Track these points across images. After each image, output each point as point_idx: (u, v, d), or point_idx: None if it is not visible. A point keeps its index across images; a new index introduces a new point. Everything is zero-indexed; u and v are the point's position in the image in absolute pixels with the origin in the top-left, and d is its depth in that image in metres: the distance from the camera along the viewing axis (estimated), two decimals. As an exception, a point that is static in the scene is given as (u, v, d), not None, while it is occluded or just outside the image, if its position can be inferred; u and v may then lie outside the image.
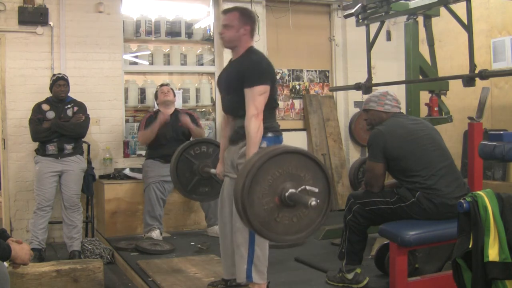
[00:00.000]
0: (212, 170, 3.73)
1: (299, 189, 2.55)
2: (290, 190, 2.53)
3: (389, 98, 3.62)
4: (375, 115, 3.61)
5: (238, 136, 3.32)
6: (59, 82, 5.04)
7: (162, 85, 5.70)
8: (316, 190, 2.58)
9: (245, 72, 3.23)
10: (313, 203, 2.46)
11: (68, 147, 4.96)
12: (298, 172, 2.59)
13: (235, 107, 3.35)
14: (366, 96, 3.92)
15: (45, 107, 5.03)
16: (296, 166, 2.58)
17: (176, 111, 5.56)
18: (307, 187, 2.56)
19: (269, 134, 3.29)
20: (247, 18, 3.36)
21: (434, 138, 3.52)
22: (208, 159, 3.95)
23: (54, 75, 5.21)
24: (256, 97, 3.17)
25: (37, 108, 5.03)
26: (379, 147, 3.44)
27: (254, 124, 3.14)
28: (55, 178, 4.91)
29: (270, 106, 3.31)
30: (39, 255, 4.80)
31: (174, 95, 5.64)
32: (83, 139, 5.22)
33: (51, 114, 4.99)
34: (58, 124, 4.92)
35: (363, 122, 4.19)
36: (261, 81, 3.20)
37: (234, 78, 3.30)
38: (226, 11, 3.42)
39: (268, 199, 2.53)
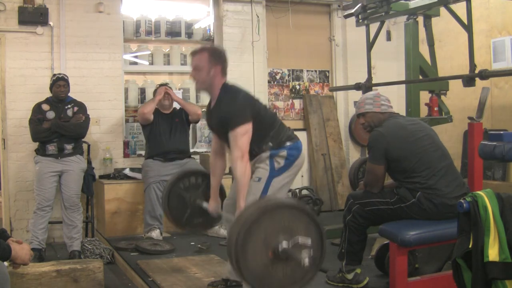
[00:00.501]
0: (205, 204, 3.74)
1: (292, 240, 2.55)
2: (283, 247, 2.53)
3: (383, 98, 3.63)
4: (374, 117, 3.60)
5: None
6: (59, 83, 5.02)
7: (160, 85, 5.66)
8: (309, 242, 2.59)
9: (224, 117, 3.24)
10: (307, 263, 2.50)
11: (68, 147, 4.96)
12: (291, 224, 2.60)
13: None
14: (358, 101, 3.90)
15: (45, 107, 5.02)
16: (288, 219, 2.60)
17: (174, 109, 5.57)
18: (300, 240, 2.56)
19: (288, 143, 3.32)
20: (217, 58, 3.32)
21: (433, 139, 3.52)
22: (198, 189, 3.97)
23: (54, 75, 5.19)
24: (238, 139, 3.16)
25: (37, 108, 5.02)
26: (380, 149, 3.43)
27: (240, 167, 3.13)
28: (55, 178, 4.91)
29: (272, 125, 3.34)
30: (39, 255, 4.80)
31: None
32: (83, 139, 5.22)
33: (51, 114, 4.98)
34: (58, 124, 4.92)
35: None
36: (239, 121, 3.18)
37: (219, 125, 3.32)
38: (194, 53, 3.37)
39: (262, 254, 2.54)
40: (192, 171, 4.08)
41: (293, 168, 3.35)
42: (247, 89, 3.47)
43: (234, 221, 2.69)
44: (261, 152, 3.31)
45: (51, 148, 4.91)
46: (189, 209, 3.93)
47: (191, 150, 5.80)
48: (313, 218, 2.65)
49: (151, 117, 5.40)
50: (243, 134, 3.16)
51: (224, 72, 3.34)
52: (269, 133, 3.32)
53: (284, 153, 3.31)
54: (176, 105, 5.73)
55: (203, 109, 6.75)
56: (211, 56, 3.30)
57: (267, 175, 3.28)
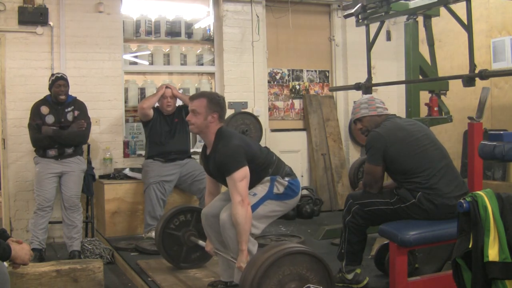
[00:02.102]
0: (201, 243, 3.78)
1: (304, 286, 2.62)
2: None
3: (377, 101, 3.63)
4: (370, 121, 3.59)
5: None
6: (58, 82, 4.92)
7: (167, 88, 5.50)
8: None
9: (221, 164, 3.27)
10: None
11: (69, 150, 4.93)
12: (307, 272, 2.66)
13: None
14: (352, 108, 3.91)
15: (44, 110, 4.91)
16: (306, 267, 2.67)
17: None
18: (312, 287, 2.63)
19: (286, 179, 3.40)
20: (215, 105, 3.37)
21: (432, 139, 3.52)
22: (189, 225, 4.02)
23: (53, 74, 5.11)
24: (237, 184, 3.19)
25: (36, 111, 4.90)
26: (379, 150, 3.43)
27: (241, 212, 3.15)
28: (55, 179, 4.89)
29: (269, 162, 3.40)
30: (40, 255, 4.80)
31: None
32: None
33: (50, 119, 4.88)
34: (60, 134, 4.84)
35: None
36: (235, 167, 3.21)
37: (218, 172, 3.36)
38: (194, 97, 3.44)
39: None
40: (179, 209, 4.11)
41: (288, 202, 3.42)
42: (240, 135, 3.54)
43: (250, 261, 2.76)
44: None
45: (52, 152, 4.88)
46: (185, 246, 3.98)
47: (191, 150, 5.79)
48: (324, 264, 2.72)
49: (151, 112, 5.38)
50: (240, 179, 3.21)
51: (221, 119, 3.41)
52: (268, 171, 3.39)
53: (285, 182, 3.39)
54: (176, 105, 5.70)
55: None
56: (210, 102, 3.36)
57: (263, 194, 3.34)
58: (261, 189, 3.36)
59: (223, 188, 3.63)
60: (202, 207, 5.35)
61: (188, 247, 4.04)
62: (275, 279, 2.60)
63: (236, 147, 3.28)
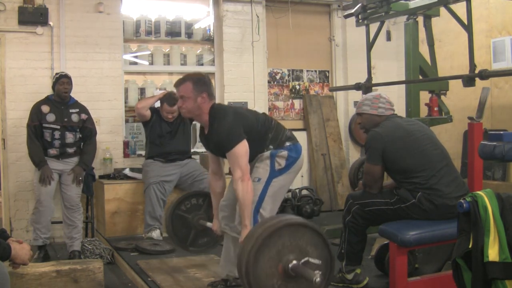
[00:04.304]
0: (209, 224, 3.76)
1: (302, 260, 2.60)
2: (294, 263, 2.57)
3: (382, 101, 3.60)
4: (369, 119, 3.59)
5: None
6: (62, 80, 4.91)
7: (169, 104, 5.31)
8: (319, 262, 2.63)
9: (219, 141, 3.27)
10: (318, 279, 2.51)
11: (70, 150, 4.93)
12: (306, 246, 2.65)
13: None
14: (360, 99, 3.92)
15: (45, 108, 4.88)
16: (306, 240, 2.65)
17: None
18: (310, 260, 2.61)
19: (287, 144, 3.36)
20: (202, 85, 3.33)
21: (432, 139, 3.51)
22: (200, 210, 4.00)
23: (57, 73, 5.10)
24: (236, 159, 3.19)
25: (36, 111, 4.86)
26: (378, 149, 3.43)
27: (242, 187, 3.15)
28: (55, 176, 4.86)
29: (269, 128, 3.37)
30: (45, 253, 4.81)
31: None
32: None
33: (51, 117, 4.85)
34: (85, 167, 4.95)
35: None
36: (234, 142, 3.21)
37: (218, 150, 3.36)
38: (178, 83, 3.39)
39: (272, 264, 2.58)
40: (192, 193, 4.10)
41: (292, 169, 3.38)
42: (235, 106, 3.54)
43: (249, 232, 2.74)
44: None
45: (53, 152, 4.88)
46: (193, 230, 3.96)
47: (192, 150, 5.79)
48: (323, 238, 2.71)
49: (147, 113, 5.35)
50: (240, 154, 3.20)
51: (210, 96, 3.36)
52: (267, 138, 3.36)
53: (284, 153, 3.34)
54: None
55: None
56: (195, 84, 3.32)
57: (267, 176, 3.30)
58: (263, 171, 3.31)
59: (226, 168, 3.62)
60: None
61: (196, 231, 3.99)
62: (274, 250, 2.57)
63: (232, 122, 3.25)
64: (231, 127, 3.24)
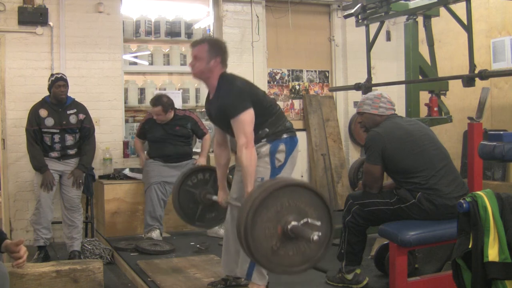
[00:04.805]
0: (214, 197, 3.74)
1: (302, 221, 2.59)
2: (293, 223, 2.56)
3: (383, 100, 3.60)
4: (369, 118, 3.60)
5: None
6: (58, 83, 4.83)
7: (152, 105, 5.34)
8: (319, 223, 2.62)
9: (224, 106, 3.22)
10: (315, 237, 2.51)
11: (71, 151, 4.91)
12: (305, 207, 2.63)
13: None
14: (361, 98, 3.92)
15: (43, 113, 4.80)
16: (305, 201, 2.64)
17: (176, 116, 5.49)
18: (309, 220, 2.60)
19: (284, 135, 3.32)
20: (217, 50, 3.32)
21: (432, 139, 3.51)
22: (207, 185, 3.98)
23: (52, 75, 5.02)
24: (242, 126, 3.16)
25: (34, 115, 4.79)
26: (377, 149, 3.43)
27: (245, 154, 3.13)
28: (55, 176, 4.85)
29: (271, 112, 3.33)
30: (45, 253, 4.81)
31: (168, 107, 5.33)
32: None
33: (50, 121, 4.80)
34: (84, 169, 4.91)
35: (361, 123, 4.18)
36: (241, 108, 3.17)
37: (219, 115, 3.31)
38: (195, 43, 3.37)
39: (271, 225, 2.57)
40: (199, 168, 4.08)
41: (291, 160, 3.35)
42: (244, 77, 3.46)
43: (249, 193, 2.72)
44: (257, 139, 3.26)
45: (54, 154, 4.86)
46: (201, 205, 3.93)
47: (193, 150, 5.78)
48: (323, 199, 2.68)
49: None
50: (246, 121, 3.16)
51: (224, 63, 3.34)
52: (267, 119, 3.31)
53: (282, 147, 3.30)
54: (176, 106, 5.68)
55: (203, 110, 6.78)
56: (212, 47, 3.30)
57: (269, 174, 3.28)
58: (264, 170, 3.27)
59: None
60: None
61: (204, 206, 3.98)
62: (273, 210, 2.56)
63: (241, 90, 3.23)
64: (240, 93, 3.21)
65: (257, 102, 3.26)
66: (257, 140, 3.25)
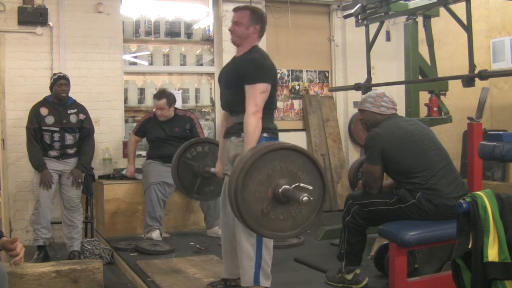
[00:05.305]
0: (212, 169, 3.74)
1: (293, 186, 2.55)
2: (284, 186, 2.53)
3: (385, 99, 3.59)
4: (370, 117, 3.60)
5: (234, 130, 3.34)
6: (60, 81, 4.87)
7: (157, 98, 5.40)
8: (310, 187, 2.59)
9: (247, 69, 3.24)
10: (305, 198, 2.47)
11: (70, 151, 4.92)
12: (298, 171, 2.59)
13: (232, 103, 3.37)
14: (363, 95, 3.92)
15: (44, 111, 4.84)
16: (298, 165, 2.60)
17: (176, 115, 5.50)
18: (301, 184, 2.57)
19: (264, 135, 3.28)
20: (258, 18, 3.39)
21: (432, 138, 3.51)
22: (206, 158, 3.98)
23: (54, 74, 5.06)
24: (256, 95, 3.18)
25: (35, 113, 4.82)
26: (377, 149, 3.43)
27: (252, 121, 3.14)
28: (55, 176, 4.86)
29: (268, 107, 3.31)
30: (45, 253, 4.80)
31: (171, 101, 5.40)
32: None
33: (50, 120, 4.82)
34: (83, 169, 4.91)
35: (361, 123, 4.18)
36: (263, 79, 3.21)
37: (235, 74, 3.32)
38: (237, 9, 3.46)
39: (261, 188, 2.54)
40: (197, 140, 4.07)
41: None
42: None
43: (238, 160, 2.70)
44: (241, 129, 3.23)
45: (53, 153, 4.87)
46: (199, 177, 3.92)
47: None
48: (319, 167, 2.66)
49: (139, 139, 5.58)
50: (262, 92, 3.19)
51: (261, 33, 3.41)
52: (262, 114, 3.26)
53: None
54: (176, 106, 5.67)
55: (203, 110, 6.79)
56: (252, 14, 3.38)
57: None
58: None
59: None
60: (202, 206, 5.40)
61: (202, 179, 3.96)
62: (264, 173, 2.54)
63: (268, 64, 3.29)
64: (267, 66, 3.26)
65: (271, 88, 3.29)
66: (238, 131, 3.26)
